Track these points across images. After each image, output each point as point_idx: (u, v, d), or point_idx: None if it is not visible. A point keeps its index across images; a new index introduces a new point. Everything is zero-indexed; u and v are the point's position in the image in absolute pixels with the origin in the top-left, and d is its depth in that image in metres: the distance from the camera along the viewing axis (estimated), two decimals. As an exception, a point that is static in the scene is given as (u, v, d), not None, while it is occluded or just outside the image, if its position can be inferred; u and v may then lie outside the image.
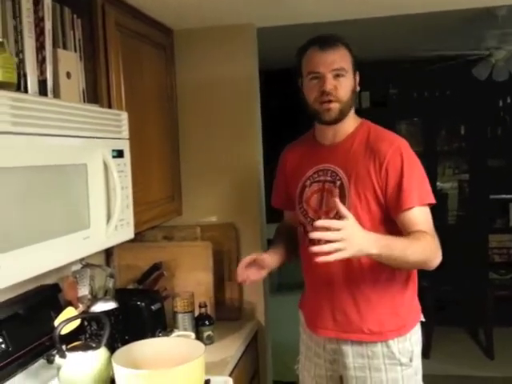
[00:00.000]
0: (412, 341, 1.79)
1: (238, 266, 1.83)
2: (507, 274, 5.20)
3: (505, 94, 5.09)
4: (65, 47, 1.64)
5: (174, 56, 2.39)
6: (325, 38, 1.75)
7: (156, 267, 2.23)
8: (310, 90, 1.75)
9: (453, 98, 5.14)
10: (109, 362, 1.65)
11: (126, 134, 1.74)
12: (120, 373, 1.54)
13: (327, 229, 1.44)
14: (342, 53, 1.74)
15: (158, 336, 1.98)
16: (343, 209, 1.52)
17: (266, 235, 2.53)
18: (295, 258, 1.98)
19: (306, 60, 1.77)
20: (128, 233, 1.76)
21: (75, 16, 1.69)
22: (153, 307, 2.02)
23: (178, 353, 1.63)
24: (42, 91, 1.50)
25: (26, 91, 1.42)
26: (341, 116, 1.75)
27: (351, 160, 1.75)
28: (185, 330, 2.07)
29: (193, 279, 2.26)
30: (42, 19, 1.51)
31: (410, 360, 1.77)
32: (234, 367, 2.00)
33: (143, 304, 2.00)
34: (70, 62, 1.66)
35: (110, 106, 1.81)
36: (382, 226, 1.72)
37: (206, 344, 1.90)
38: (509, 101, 5.12)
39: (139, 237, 2.30)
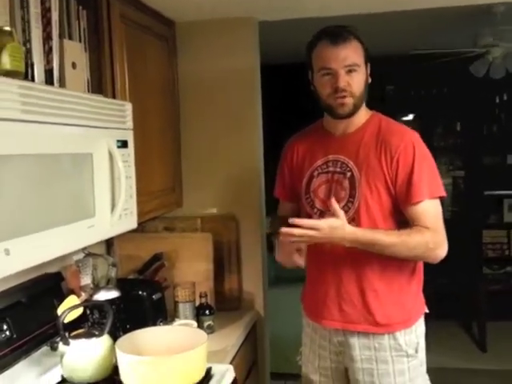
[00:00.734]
0: (417, 333, 1.80)
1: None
2: (500, 268, 5.26)
3: (501, 91, 5.12)
4: (70, 38, 1.65)
5: (176, 48, 2.41)
6: (336, 30, 1.72)
7: (157, 258, 2.25)
8: (323, 86, 1.74)
9: (449, 95, 5.18)
10: (112, 350, 1.67)
11: (130, 124, 1.75)
12: (124, 359, 1.57)
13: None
14: (355, 47, 1.72)
15: (159, 325, 2.00)
16: (337, 208, 1.64)
17: (265, 227, 2.55)
18: None
19: (317, 54, 1.75)
20: (131, 222, 1.78)
21: (80, 7, 1.70)
22: (154, 297, 2.04)
23: (180, 341, 1.66)
24: (49, 81, 1.52)
25: (32, 80, 1.44)
26: (354, 110, 1.75)
27: (362, 152, 1.76)
28: (186, 319, 2.09)
29: (193, 270, 2.28)
30: (49, 10, 1.52)
31: (416, 351, 1.78)
32: (234, 356, 2.03)
33: (144, 294, 2.02)
34: (76, 52, 1.67)
35: (114, 97, 1.83)
36: (392, 216, 1.75)
37: (206, 333, 1.92)
38: (505, 98, 5.16)
39: (140, 228, 2.31)
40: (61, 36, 1.58)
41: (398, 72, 5.09)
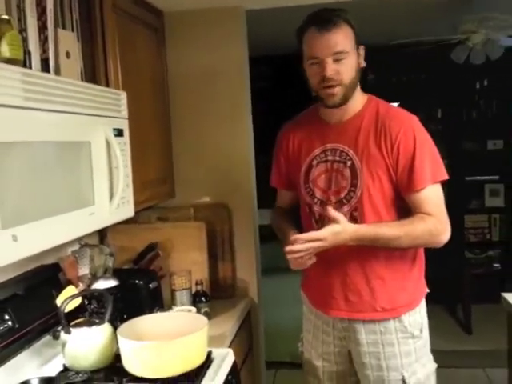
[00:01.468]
0: (421, 313, 1.81)
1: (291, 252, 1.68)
2: (482, 253, 5.36)
3: (481, 77, 5.20)
4: (64, 27, 1.65)
5: (164, 38, 2.41)
6: (324, 15, 1.66)
7: (151, 248, 2.26)
8: (311, 75, 1.70)
9: (430, 82, 5.24)
10: (113, 338, 1.69)
11: (125, 113, 1.76)
12: (126, 346, 1.58)
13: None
14: (343, 32, 1.65)
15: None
16: (334, 214, 1.64)
17: (257, 215, 2.58)
18: None
19: (305, 43, 1.70)
20: (128, 211, 1.79)
21: (73, -3, 1.70)
22: (150, 286, 2.06)
23: (180, 326, 1.68)
24: (45, 70, 1.52)
25: (30, 69, 1.44)
26: (345, 99, 1.71)
27: (361, 139, 1.73)
28: (183, 306, 2.11)
29: (187, 259, 2.30)
30: (44, -2, 1.52)
31: (421, 331, 1.79)
32: (232, 341, 2.05)
33: (141, 282, 2.03)
34: (69, 42, 1.67)
35: (107, 87, 1.83)
36: (394, 203, 1.73)
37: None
38: (486, 84, 5.24)
39: (133, 218, 2.32)
40: (55, 25, 1.58)
41: (379, 60, 5.14)
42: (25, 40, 1.44)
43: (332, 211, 1.65)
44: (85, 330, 1.66)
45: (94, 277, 1.95)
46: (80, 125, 1.49)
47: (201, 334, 1.63)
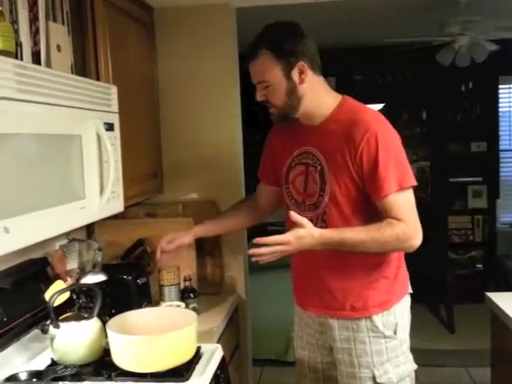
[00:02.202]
0: (396, 314, 1.80)
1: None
2: (465, 253, 5.44)
3: (466, 79, 5.27)
4: (54, 20, 1.65)
5: (154, 34, 2.41)
6: (251, 45, 1.71)
7: (139, 243, 2.26)
8: None
9: (416, 84, 5.30)
10: (102, 332, 1.69)
11: (115, 107, 1.76)
12: (115, 340, 1.58)
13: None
14: (263, 63, 1.68)
15: (145, 309, 2.01)
16: (298, 218, 1.64)
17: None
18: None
19: None
20: (118, 205, 1.79)
21: (63, -11, 1.70)
22: (139, 281, 2.06)
23: (170, 321, 1.68)
24: (36, 62, 1.51)
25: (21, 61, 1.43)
26: (286, 117, 1.76)
27: (329, 144, 1.74)
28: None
29: (176, 255, 2.28)
30: (35, -10, 1.51)
31: (395, 332, 1.78)
32: (220, 337, 2.06)
33: (130, 278, 2.03)
34: (60, 35, 1.67)
35: (97, 80, 1.82)
36: (362, 209, 1.73)
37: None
38: (471, 86, 5.31)
39: (120, 214, 2.32)
40: (46, 18, 1.57)
41: (365, 61, 5.19)
42: (16, 32, 1.43)
43: (295, 215, 1.64)
44: (73, 324, 1.65)
45: (83, 271, 1.95)
46: (71, 118, 1.49)
47: (190, 329, 1.63)
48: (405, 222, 1.66)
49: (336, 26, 4.03)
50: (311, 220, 1.71)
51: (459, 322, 4.57)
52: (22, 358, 1.69)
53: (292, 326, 2.05)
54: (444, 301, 4.78)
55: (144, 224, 2.37)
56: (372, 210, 1.72)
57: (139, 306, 2.00)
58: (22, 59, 1.43)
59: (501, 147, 5.49)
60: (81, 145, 1.54)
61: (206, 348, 1.77)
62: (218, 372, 1.70)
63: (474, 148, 5.41)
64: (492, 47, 3.76)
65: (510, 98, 5.47)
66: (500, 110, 5.44)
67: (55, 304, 1.67)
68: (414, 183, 1.71)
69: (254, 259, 1.66)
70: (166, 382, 1.54)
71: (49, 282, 1.81)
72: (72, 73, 1.72)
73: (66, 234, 1.99)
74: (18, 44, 1.43)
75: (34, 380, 1.54)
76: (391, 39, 3.97)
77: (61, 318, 1.68)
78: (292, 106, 1.73)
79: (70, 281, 1.88)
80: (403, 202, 1.68)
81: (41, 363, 1.67)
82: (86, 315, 1.70)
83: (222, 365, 1.77)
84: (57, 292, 1.66)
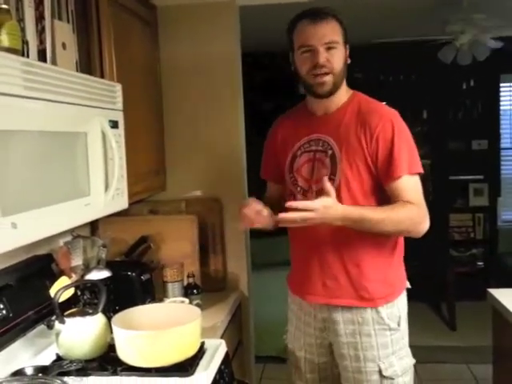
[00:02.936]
0: (399, 306, 1.83)
1: (243, 208, 1.77)
2: (466, 251, 5.45)
3: (468, 77, 5.28)
4: (60, 19, 1.66)
5: (157, 32, 2.43)
6: (315, 10, 1.76)
7: (143, 240, 2.27)
8: (302, 63, 1.77)
9: (417, 82, 5.30)
10: (106, 328, 1.70)
11: (120, 105, 1.78)
12: (121, 335, 1.59)
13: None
14: (333, 25, 1.75)
15: (149, 305, 2.03)
16: (328, 186, 1.64)
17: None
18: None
19: (297, 33, 1.78)
20: (123, 202, 1.80)
21: (68, -12, 1.71)
22: (143, 277, 2.07)
23: (174, 317, 1.69)
24: (42, 60, 1.53)
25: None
26: (334, 89, 1.78)
27: (343, 130, 1.79)
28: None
29: (179, 252, 2.31)
30: (41, -11, 1.53)
31: (398, 324, 1.81)
32: (223, 333, 2.08)
33: (133, 274, 2.04)
34: (65, 33, 1.68)
35: (102, 78, 1.84)
36: (373, 194, 1.78)
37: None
38: (472, 84, 5.31)
39: (124, 211, 2.33)
40: (52, 16, 1.59)
41: (366, 59, 5.19)
42: (22, 30, 1.44)
43: (327, 183, 1.65)
44: (79, 319, 1.67)
45: (87, 268, 1.96)
46: (77, 116, 1.50)
47: (195, 325, 1.64)
48: (417, 205, 1.72)
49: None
50: None
51: (460, 320, 4.58)
52: (28, 353, 1.70)
53: (286, 326, 2.04)
54: (445, 298, 4.79)
55: (147, 221, 2.39)
56: (382, 197, 1.77)
57: (143, 303, 2.02)
58: (28, 57, 1.45)
59: (502, 145, 5.50)
60: (86, 142, 1.56)
61: (210, 343, 1.78)
62: (222, 367, 1.72)
63: (475, 146, 5.42)
64: (495, 45, 3.76)
65: (511, 96, 5.48)
66: (501, 108, 5.45)
67: (60, 300, 1.68)
68: (422, 171, 1.77)
69: (281, 224, 1.68)
70: (170, 377, 1.56)
71: (54, 278, 1.83)
72: (77, 70, 1.73)
73: (71, 231, 2.00)
74: (25, 42, 1.44)
75: (40, 375, 1.55)
76: (392, 38, 3.98)
77: (66, 313, 1.70)
78: (342, 78, 1.79)
79: (74, 277, 1.90)
80: (414, 186, 1.75)
81: (46, 358, 1.69)
82: (90, 311, 1.72)
83: (226, 360, 1.78)
84: (62, 288, 1.68)
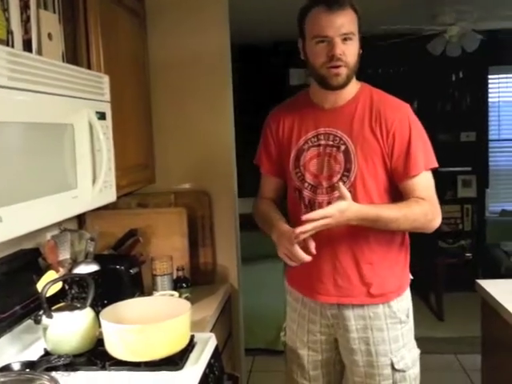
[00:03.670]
0: (408, 298, 1.84)
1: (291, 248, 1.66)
2: (455, 242, 5.48)
3: (457, 69, 5.29)
4: (45, 8, 1.63)
5: (146, 23, 2.39)
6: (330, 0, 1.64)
7: (131, 233, 2.25)
8: (317, 54, 1.67)
9: (406, 74, 5.30)
10: (95, 322, 1.69)
11: (107, 96, 1.75)
12: (109, 329, 1.58)
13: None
14: (351, 14, 1.66)
15: (138, 299, 2.01)
16: (343, 191, 1.61)
17: (238, 202, 2.59)
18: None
19: (312, 21, 1.67)
20: (111, 195, 1.77)
21: (54, -23, 1.68)
22: (131, 271, 2.05)
23: (163, 310, 1.68)
24: (27, 51, 1.49)
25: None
26: (347, 81, 1.70)
27: (356, 125, 1.73)
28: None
29: (168, 245, 2.29)
30: (26, -23, 1.49)
31: (407, 317, 1.82)
32: (213, 326, 2.07)
33: (122, 268, 2.02)
34: (51, 23, 1.65)
35: (89, 69, 1.81)
36: (387, 191, 1.75)
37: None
38: (461, 76, 5.32)
39: (112, 204, 2.31)
40: (37, 6, 1.56)
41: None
42: (7, 20, 1.41)
43: (342, 187, 1.62)
44: (67, 314, 1.65)
45: (75, 262, 1.94)
46: (63, 107, 1.47)
47: (184, 318, 1.64)
48: (429, 202, 1.71)
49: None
50: (328, 202, 1.71)
51: (449, 310, 4.63)
52: (15, 348, 1.69)
53: (284, 322, 2.02)
54: (434, 289, 4.83)
55: (136, 214, 2.37)
56: (395, 193, 1.75)
57: (132, 296, 2.00)
58: (13, 47, 1.42)
59: (490, 137, 5.53)
60: (73, 134, 1.53)
61: (200, 337, 1.77)
62: (212, 361, 1.71)
63: (464, 138, 5.44)
64: (478, 37, 3.76)
65: (499, 88, 5.50)
66: (489, 100, 5.47)
67: (47, 294, 1.66)
68: (437, 165, 1.75)
69: (301, 237, 1.62)
70: (160, 371, 1.55)
71: (41, 272, 1.80)
72: (63, 61, 1.70)
73: (58, 225, 1.98)
74: (9, 32, 1.41)
75: (27, 370, 1.53)
76: (381, 30, 3.96)
77: (53, 308, 1.68)
78: (355, 71, 1.72)
79: (62, 271, 1.87)
80: (428, 182, 1.73)
81: (34, 354, 1.67)
82: (78, 305, 1.70)
83: (216, 353, 1.78)
84: (49, 282, 1.66)
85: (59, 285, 1.80)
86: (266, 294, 3.90)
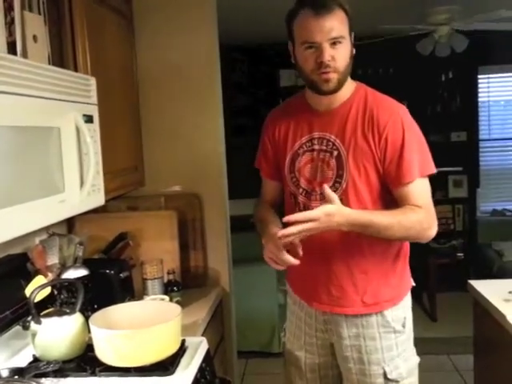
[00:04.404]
0: (405, 308, 1.79)
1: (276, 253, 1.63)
2: (446, 242, 5.48)
3: (446, 69, 5.30)
4: (30, 10, 1.61)
5: (133, 24, 2.37)
6: (318, 2, 1.57)
7: (121, 237, 2.23)
8: (306, 60, 1.62)
9: (396, 75, 5.31)
10: (84, 327, 1.67)
11: (94, 99, 1.73)
12: (99, 334, 1.56)
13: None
14: (340, 17, 1.58)
15: (128, 303, 1.99)
16: (329, 194, 1.56)
17: (228, 205, 2.58)
18: None
19: (299, 25, 1.61)
20: (99, 199, 1.76)
21: (39, -22, 1.66)
22: (121, 275, 2.03)
23: (154, 315, 1.67)
24: (11, 53, 1.48)
25: (-4, 52, 1.40)
26: (339, 85, 1.64)
27: (349, 129, 1.67)
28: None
29: (159, 248, 2.27)
30: (10, -21, 1.48)
31: (403, 326, 1.76)
32: (205, 330, 2.05)
33: (112, 272, 2.00)
34: (36, 25, 1.63)
35: (76, 72, 1.79)
36: (381, 197, 1.69)
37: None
38: (450, 76, 5.34)
39: (102, 207, 2.29)
40: (21, 8, 1.54)
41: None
42: (-10, 22, 1.40)
43: (328, 190, 1.56)
44: (55, 319, 1.63)
45: (64, 266, 1.92)
46: (49, 110, 1.46)
47: (174, 323, 1.62)
48: (425, 210, 1.63)
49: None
50: None
51: (441, 311, 4.63)
52: (3, 355, 1.66)
53: (284, 323, 2.01)
54: (426, 290, 4.83)
55: (126, 217, 2.35)
56: (389, 199, 1.68)
57: (122, 301, 1.98)
58: (-4, 50, 1.40)
59: (480, 137, 5.54)
60: (59, 137, 1.52)
61: (191, 341, 1.76)
62: (204, 365, 1.69)
63: (454, 138, 5.45)
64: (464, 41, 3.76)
65: (488, 87, 5.52)
66: (479, 99, 5.49)
67: (36, 300, 1.64)
68: (434, 170, 1.68)
69: (283, 240, 1.57)
70: (150, 377, 1.53)
71: (29, 277, 1.78)
72: (49, 64, 1.68)
73: (46, 229, 1.96)
74: (-7, 34, 1.39)
75: (16, 377, 1.51)
76: (370, 31, 3.96)
77: (42, 313, 1.66)
78: (347, 74, 1.65)
79: (50, 276, 1.85)
80: (423, 190, 1.66)
81: (23, 360, 1.65)
82: (68, 310, 1.68)
83: (208, 358, 1.76)
84: (37, 287, 1.64)
85: (48, 290, 1.77)
86: (258, 296, 3.89)
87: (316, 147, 1.73)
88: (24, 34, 1.54)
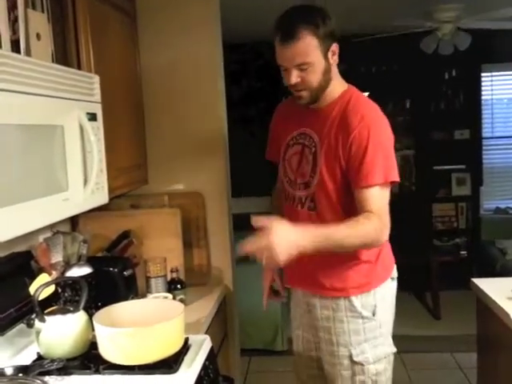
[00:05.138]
0: (376, 296, 1.82)
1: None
2: (449, 240, 5.49)
3: (450, 67, 5.29)
4: (34, 8, 1.61)
5: (136, 23, 2.37)
6: (288, 27, 1.66)
7: (125, 235, 2.23)
8: (283, 78, 1.76)
9: (399, 72, 5.30)
10: (88, 325, 1.67)
11: (98, 97, 1.73)
12: (103, 332, 1.56)
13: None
14: (306, 43, 1.65)
15: (132, 301, 1.99)
16: (263, 223, 1.55)
17: (231, 203, 2.58)
18: None
19: (276, 48, 1.72)
20: (103, 197, 1.76)
21: (42, -24, 1.66)
22: (125, 273, 2.03)
23: (157, 313, 1.67)
24: (15, 51, 1.47)
25: (0, 50, 1.40)
26: (314, 99, 1.76)
27: (327, 128, 1.77)
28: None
29: (162, 246, 2.27)
30: (13, -23, 1.47)
31: (373, 314, 1.82)
32: (208, 328, 2.05)
33: (116, 270, 2.00)
34: (40, 23, 1.63)
35: (79, 70, 1.79)
36: (347, 197, 1.75)
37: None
38: (454, 74, 5.32)
39: (105, 206, 2.29)
40: (25, 6, 1.54)
41: (348, 50, 5.17)
42: (-6, 20, 1.40)
43: (260, 222, 1.56)
44: (59, 317, 1.63)
45: (68, 264, 1.92)
46: (53, 108, 1.46)
47: (178, 321, 1.62)
48: (378, 216, 1.66)
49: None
50: (306, 198, 1.81)
51: (445, 309, 4.62)
52: (8, 353, 1.66)
53: (287, 322, 2.11)
54: (429, 288, 4.83)
55: (129, 216, 2.35)
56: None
57: (126, 299, 1.98)
58: (0, 48, 1.40)
59: (484, 135, 5.53)
60: (63, 135, 1.52)
61: (194, 339, 1.76)
62: (207, 363, 1.69)
63: (458, 136, 5.44)
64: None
65: (492, 85, 5.51)
66: (483, 97, 5.47)
67: (40, 298, 1.64)
68: (397, 179, 1.72)
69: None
70: (154, 375, 1.53)
71: (33, 275, 1.78)
72: (53, 62, 1.68)
73: (50, 227, 1.96)
74: (-3, 33, 1.39)
75: (20, 375, 1.52)
76: (374, 28, 3.96)
77: (46, 311, 1.66)
78: (323, 88, 1.74)
79: (54, 274, 1.85)
80: (380, 197, 1.70)
81: (27, 358, 1.65)
82: (71, 308, 1.68)
83: (211, 356, 1.76)
84: (42, 285, 1.64)
85: (52, 288, 1.78)
86: (261, 294, 3.88)
87: (301, 141, 1.86)
88: (27, 32, 1.53)
